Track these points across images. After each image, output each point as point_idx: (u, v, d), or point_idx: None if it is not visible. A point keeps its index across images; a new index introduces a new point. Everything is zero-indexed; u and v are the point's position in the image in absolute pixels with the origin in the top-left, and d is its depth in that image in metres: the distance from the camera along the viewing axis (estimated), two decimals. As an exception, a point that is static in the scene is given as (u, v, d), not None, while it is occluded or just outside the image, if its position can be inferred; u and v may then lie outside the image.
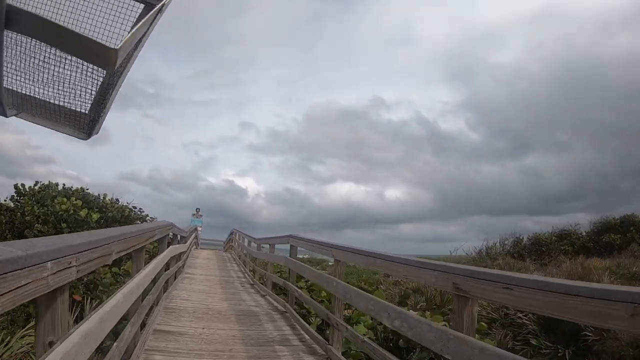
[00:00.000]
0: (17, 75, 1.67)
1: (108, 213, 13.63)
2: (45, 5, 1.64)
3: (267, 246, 8.78)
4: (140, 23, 1.51)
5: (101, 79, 1.68)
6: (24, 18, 1.33)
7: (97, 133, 1.94)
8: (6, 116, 1.74)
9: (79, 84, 1.66)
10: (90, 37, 1.49)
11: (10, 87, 1.71)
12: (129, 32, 1.49)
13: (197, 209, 23.70)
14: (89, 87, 1.67)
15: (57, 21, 1.56)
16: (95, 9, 1.64)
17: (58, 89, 1.69)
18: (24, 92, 1.74)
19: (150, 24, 1.58)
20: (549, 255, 18.19)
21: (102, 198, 14.50)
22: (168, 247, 5.67)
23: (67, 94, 1.71)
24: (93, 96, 1.74)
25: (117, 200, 14.71)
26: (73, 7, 1.66)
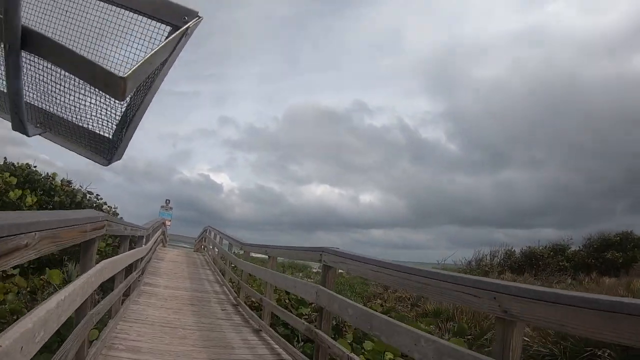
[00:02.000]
0: (41, 93, 1.60)
1: (55, 197, 10.80)
2: (66, 27, 1.60)
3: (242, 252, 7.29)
4: (157, 48, 1.41)
5: (125, 105, 1.62)
6: (37, 40, 1.29)
7: (119, 159, 1.84)
8: (28, 135, 1.63)
9: (102, 108, 1.57)
10: (99, 63, 1.36)
11: (37, 105, 1.65)
12: (142, 59, 1.37)
13: (166, 200, 20.87)
14: (112, 111, 1.60)
15: (72, 46, 1.53)
16: (121, 33, 1.53)
17: (82, 112, 1.62)
18: (49, 110, 1.67)
19: (175, 47, 1.49)
20: (545, 271, 17.30)
21: (51, 178, 11.57)
22: (99, 260, 3.23)
23: (91, 117, 1.63)
24: (117, 120, 1.66)
25: (70, 182, 11.85)
26: (98, 30, 1.58)
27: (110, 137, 1.75)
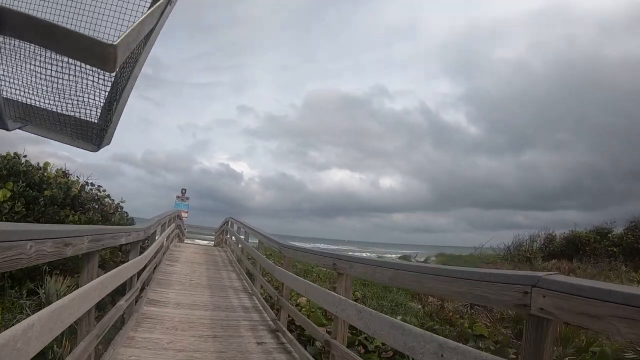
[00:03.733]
0: (19, 85, 1.54)
1: (45, 191, 8.87)
2: (42, 3, 1.52)
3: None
4: (144, 16, 1.34)
5: (109, 84, 1.51)
6: (14, 18, 1.16)
7: (108, 143, 1.75)
8: (8, 129, 1.59)
9: (85, 90, 1.48)
10: (85, 34, 1.30)
11: (13, 98, 1.59)
12: (129, 27, 1.30)
13: (182, 190, 19.01)
14: (97, 93, 1.50)
15: (52, 20, 1.45)
16: (99, 4, 1.49)
17: (63, 98, 1.53)
18: (28, 102, 1.59)
19: (160, 17, 1.42)
20: (591, 256, 15.74)
21: (42, 169, 9.64)
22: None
23: (74, 102, 1.54)
24: (101, 103, 1.57)
25: (66, 173, 9.93)
26: (74, 4, 1.52)
27: (96, 121, 1.65)
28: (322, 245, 49.66)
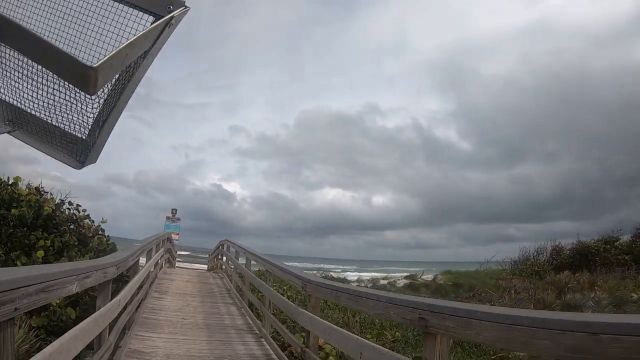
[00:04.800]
0: (12, 87, 1.51)
1: (12, 209, 7.50)
2: (45, 16, 1.48)
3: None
4: (134, 38, 1.30)
5: (98, 103, 1.49)
6: (7, 28, 1.19)
7: (94, 162, 1.70)
8: None
9: (74, 105, 1.44)
10: (68, 52, 1.31)
11: (7, 100, 1.57)
12: (115, 49, 1.26)
13: (172, 210, 17.58)
14: (85, 109, 1.47)
15: (42, 35, 1.42)
16: (101, 23, 1.43)
17: (53, 108, 1.49)
18: (21, 106, 1.57)
19: (157, 39, 1.39)
20: (602, 267, 14.89)
21: (12, 184, 8.29)
22: None
23: (62, 114, 1.50)
24: (90, 120, 1.53)
25: (39, 189, 8.57)
26: (72, 19, 1.46)
27: (85, 137, 1.59)
28: (312, 265, 47.71)
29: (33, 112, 1.51)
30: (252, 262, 7.72)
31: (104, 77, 1.17)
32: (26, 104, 1.49)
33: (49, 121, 1.54)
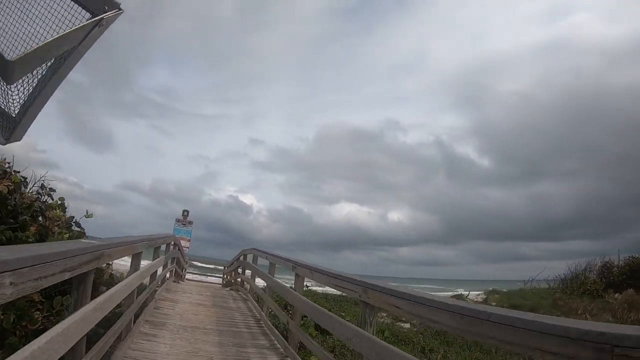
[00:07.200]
0: None
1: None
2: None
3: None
4: (58, 36, 1.36)
5: (34, 84, 1.55)
6: None
7: (19, 140, 1.72)
8: None
9: (2, 85, 1.54)
10: None
11: None
12: (40, 43, 1.35)
13: (184, 212, 15.10)
14: (20, 88, 1.52)
15: None
16: (43, 14, 1.46)
17: None
18: None
19: (85, 36, 1.43)
20: None
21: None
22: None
23: None
24: (22, 99, 1.59)
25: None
26: (20, 12, 1.50)
27: (13, 115, 1.63)
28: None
29: None
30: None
31: (22, 69, 1.29)
32: None
33: None
